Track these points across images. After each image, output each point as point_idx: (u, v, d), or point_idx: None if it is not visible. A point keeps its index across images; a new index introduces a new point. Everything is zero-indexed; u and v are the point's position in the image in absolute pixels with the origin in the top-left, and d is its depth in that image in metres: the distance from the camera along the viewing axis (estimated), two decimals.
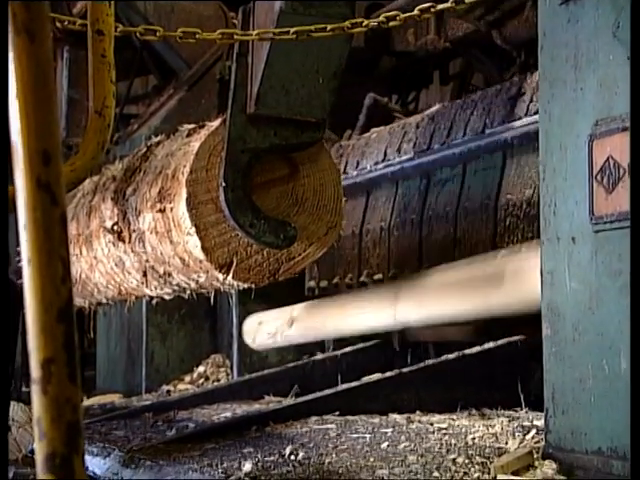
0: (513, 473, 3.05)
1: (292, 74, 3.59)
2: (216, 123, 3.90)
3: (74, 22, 3.21)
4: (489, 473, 3.08)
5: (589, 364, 2.91)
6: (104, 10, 2.44)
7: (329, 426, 4.19)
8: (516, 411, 4.26)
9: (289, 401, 4.92)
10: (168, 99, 7.11)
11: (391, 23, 3.44)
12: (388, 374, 4.64)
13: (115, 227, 4.40)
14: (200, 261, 3.83)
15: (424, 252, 5.02)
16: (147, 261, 4.28)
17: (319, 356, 5.71)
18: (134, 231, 4.25)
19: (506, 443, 3.50)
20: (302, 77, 3.59)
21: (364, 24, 3.48)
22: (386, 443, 3.71)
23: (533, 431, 3.58)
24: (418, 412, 4.43)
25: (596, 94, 2.92)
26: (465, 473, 3.13)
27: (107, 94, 2.42)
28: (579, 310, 2.96)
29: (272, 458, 3.63)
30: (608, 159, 2.86)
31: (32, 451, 3.54)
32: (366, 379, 4.66)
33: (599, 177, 2.88)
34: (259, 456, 3.68)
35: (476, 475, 3.10)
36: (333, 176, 4.00)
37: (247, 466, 3.52)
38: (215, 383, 6.34)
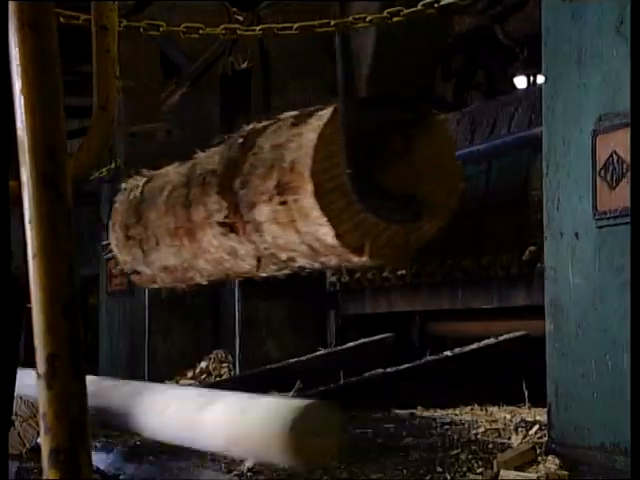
0: (516, 468, 3.05)
1: (398, 55, 3.69)
2: (326, 112, 3.96)
3: (78, 17, 3.21)
4: (492, 468, 3.08)
5: (592, 360, 2.90)
6: (108, 5, 2.44)
7: None
8: (519, 406, 4.26)
9: (291, 396, 4.92)
10: (170, 95, 7.10)
11: (394, 19, 3.44)
12: (390, 370, 4.64)
13: (227, 220, 4.49)
14: (332, 247, 3.90)
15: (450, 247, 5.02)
16: (266, 249, 4.34)
17: (321, 351, 5.71)
18: (248, 222, 4.31)
19: (509, 438, 3.50)
20: (408, 56, 3.69)
21: (367, 19, 3.48)
22: (389, 438, 3.71)
23: (536, 427, 3.58)
24: (421, 407, 4.43)
25: (599, 90, 2.92)
26: (468, 468, 3.13)
27: (111, 89, 2.42)
28: (582, 306, 2.95)
29: None
30: (612, 155, 2.85)
31: (37, 445, 3.55)
32: (368, 374, 4.66)
33: (602, 173, 2.88)
34: None
35: (479, 470, 3.10)
36: (447, 145, 4.07)
37: (249, 461, 3.52)
38: (217, 378, 6.34)
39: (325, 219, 3.81)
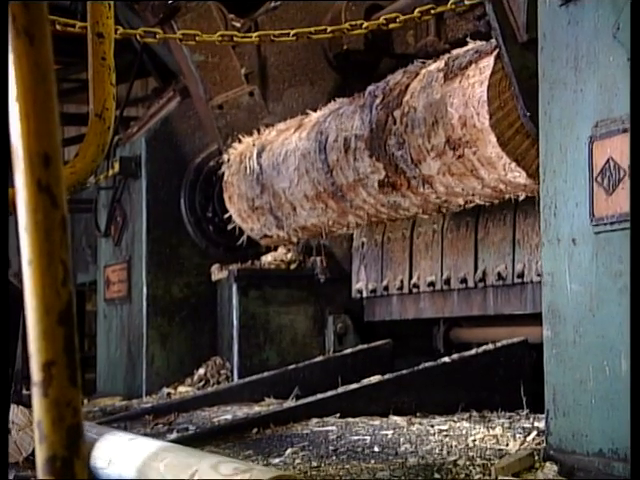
0: (514, 475, 3.05)
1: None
2: (484, 63, 4.09)
3: (74, 25, 3.22)
4: (490, 475, 3.08)
5: (590, 366, 2.90)
6: (104, 13, 2.44)
7: (330, 428, 4.19)
8: (517, 413, 4.26)
9: (290, 403, 4.92)
10: (168, 101, 7.11)
11: (391, 25, 3.45)
12: (388, 376, 4.64)
13: (387, 179, 4.74)
14: (524, 185, 4.08)
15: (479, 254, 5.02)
16: (437, 198, 4.61)
17: (319, 358, 5.71)
18: (414, 177, 4.57)
19: (507, 445, 3.50)
20: None
21: (364, 26, 3.49)
22: (387, 445, 3.71)
23: (534, 433, 3.58)
24: (418, 414, 4.42)
25: (596, 96, 2.92)
26: (466, 475, 3.12)
27: (107, 97, 2.42)
28: (580, 312, 2.95)
29: (273, 460, 3.63)
30: (608, 161, 2.85)
31: (34, 454, 3.54)
32: (366, 381, 4.66)
33: (599, 179, 2.88)
34: (259, 458, 3.68)
35: (477, 477, 3.10)
36: None
37: None
38: (215, 385, 6.33)
39: (514, 164, 4.00)
